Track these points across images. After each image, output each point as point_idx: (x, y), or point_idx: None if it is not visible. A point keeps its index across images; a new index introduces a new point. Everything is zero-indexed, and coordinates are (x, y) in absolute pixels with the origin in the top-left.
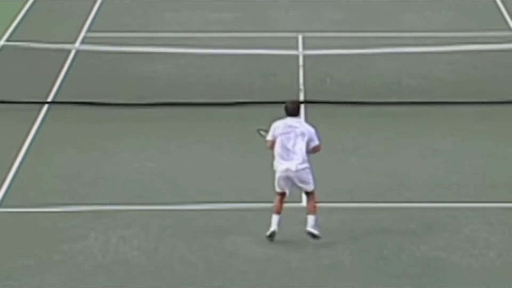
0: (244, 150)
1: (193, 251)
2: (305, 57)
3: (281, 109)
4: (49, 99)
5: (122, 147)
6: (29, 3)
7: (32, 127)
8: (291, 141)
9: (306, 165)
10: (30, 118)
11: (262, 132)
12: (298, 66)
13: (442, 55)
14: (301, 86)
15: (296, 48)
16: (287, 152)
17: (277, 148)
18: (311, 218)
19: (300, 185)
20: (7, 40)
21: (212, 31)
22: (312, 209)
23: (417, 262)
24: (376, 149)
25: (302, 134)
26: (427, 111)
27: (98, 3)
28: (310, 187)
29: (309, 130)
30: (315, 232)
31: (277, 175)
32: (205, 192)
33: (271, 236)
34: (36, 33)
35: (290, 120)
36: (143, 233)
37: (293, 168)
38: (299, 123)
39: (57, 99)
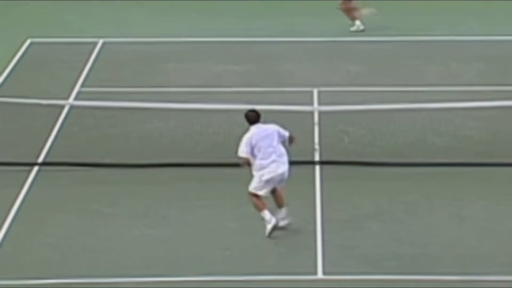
0: (252, 215)
1: None
2: (321, 113)
3: (294, 170)
4: (40, 160)
5: (120, 212)
6: (19, 54)
7: (20, 191)
8: (271, 145)
9: (287, 162)
10: (18, 181)
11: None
12: (313, 123)
13: (471, 111)
14: (317, 145)
15: (311, 103)
16: (270, 155)
17: (262, 156)
18: (284, 211)
19: (281, 184)
20: None
21: (218, 85)
22: (282, 202)
23: None
24: (399, 215)
25: (273, 134)
26: (455, 173)
27: (94, 54)
28: (282, 184)
29: (273, 127)
30: (286, 222)
31: (265, 178)
32: (209, 263)
33: (273, 231)
34: (25, 86)
35: (255, 128)
36: None
37: (282, 169)
38: (262, 127)
39: (49, 160)
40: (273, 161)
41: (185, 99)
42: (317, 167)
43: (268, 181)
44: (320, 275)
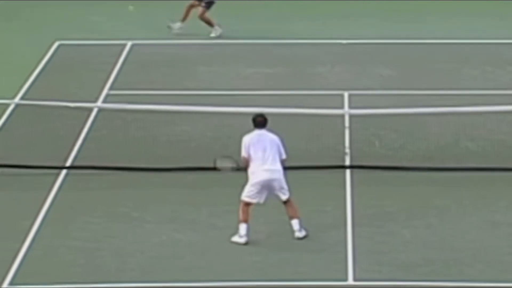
0: (282, 220)
1: None
2: (352, 116)
3: (325, 174)
4: (68, 164)
5: (148, 216)
6: (47, 56)
7: (48, 195)
8: (265, 150)
9: (282, 172)
10: (47, 184)
11: (219, 164)
12: (343, 127)
13: (504, 115)
14: (347, 149)
15: (342, 106)
16: (265, 161)
17: (254, 159)
18: (295, 222)
19: (279, 192)
20: (22, 98)
21: (248, 88)
22: (294, 214)
23: None
24: (431, 220)
25: (271, 143)
26: (487, 178)
27: (122, 57)
28: (287, 194)
29: (276, 140)
30: (303, 235)
31: (255, 182)
32: (238, 268)
33: (241, 243)
34: (54, 89)
35: (258, 131)
36: None
37: (274, 174)
38: (266, 134)
39: (77, 163)
40: (266, 167)
41: (214, 102)
42: (348, 172)
43: (258, 186)
44: (350, 281)
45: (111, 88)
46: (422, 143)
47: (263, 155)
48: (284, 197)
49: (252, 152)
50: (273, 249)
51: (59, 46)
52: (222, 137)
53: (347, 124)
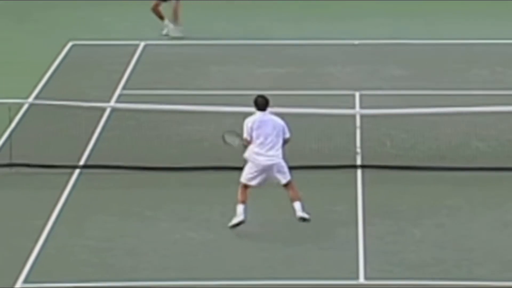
0: (293, 219)
1: None
2: (363, 117)
3: (336, 174)
4: (81, 163)
5: (161, 216)
6: (60, 57)
7: (62, 194)
8: (267, 136)
9: (281, 156)
10: (60, 183)
11: (228, 139)
12: (355, 126)
13: None
14: (358, 149)
15: (353, 107)
16: (264, 145)
17: (256, 142)
18: (297, 204)
19: (278, 175)
20: (36, 97)
21: (260, 88)
22: (296, 196)
23: None
24: (441, 220)
25: (274, 127)
26: (498, 178)
27: (135, 57)
28: (286, 177)
29: (279, 123)
30: (306, 216)
31: (253, 165)
32: (251, 267)
33: (238, 225)
34: (67, 89)
35: (261, 114)
36: None
37: (273, 159)
38: (269, 117)
39: (90, 163)
40: (266, 153)
41: (227, 102)
42: (359, 171)
43: (257, 170)
44: (361, 280)
45: (124, 88)
46: (433, 143)
47: (265, 140)
48: (284, 180)
49: (254, 136)
50: (284, 248)
51: (72, 46)
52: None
53: (358, 124)
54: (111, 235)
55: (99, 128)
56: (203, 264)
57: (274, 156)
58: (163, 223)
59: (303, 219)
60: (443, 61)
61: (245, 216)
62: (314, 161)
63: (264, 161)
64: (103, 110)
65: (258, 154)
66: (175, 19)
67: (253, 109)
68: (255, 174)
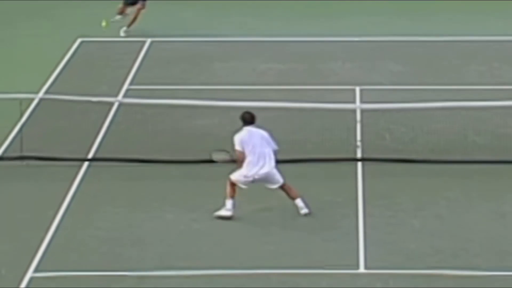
0: (295, 211)
1: None
2: (363, 111)
3: (337, 166)
4: (90, 156)
5: (167, 207)
6: (70, 53)
7: (71, 186)
8: (256, 146)
9: (273, 164)
10: (69, 175)
11: (216, 157)
12: (355, 121)
13: (511, 110)
14: (359, 142)
15: (353, 101)
16: (258, 158)
17: (248, 156)
18: (299, 202)
19: (270, 186)
20: (46, 92)
21: (263, 83)
22: (295, 195)
23: None
24: (440, 211)
25: (262, 138)
26: (495, 170)
27: (142, 54)
28: (280, 182)
29: (265, 135)
30: (308, 211)
31: (249, 175)
32: (253, 256)
33: (225, 219)
34: (76, 84)
35: (247, 129)
36: None
37: (266, 170)
38: (255, 130)
39: (98, 156)
40: (260, 163)
41: (231, 97)
42: (359, 164)
43: (251, 178)
44: (362, 269)
45: (131, 83)
46: (431, 137)
47: (255, 150)
48: (277, 185)
49: (248, 150)
50: (287, 238)
51: (81, 43)
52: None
53: (358, 118)
54: (119, 226)
55: (107, 122)
56: (207, 254)
57: (266, 164)
58: (168, 214)
59: (306, 215)
60: (441, 57)
61: (233, 212)
62: (315, 154)
63: (258, 171)
64: (111, 104)
65: (252, 163)
66: (120, 15)
67: (256, 102)
68: (248, 181)
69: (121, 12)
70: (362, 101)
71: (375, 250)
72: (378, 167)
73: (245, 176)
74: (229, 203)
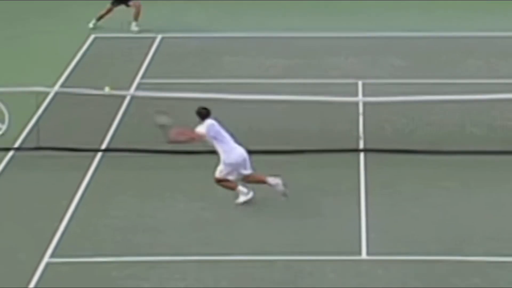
0: (301, 197)
1: None
2: (365, 104)
3: (340, 157)
4: (103, 147)
5: (178, 196)
6: (84, 48)
7: (85, 175)
8: (227, 135)
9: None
10: (84, 166)
11: (159, 120)
12: (358, 113)
13: (508, 103)
14: (361, 134)
15: (356, 94)
16: (232, 145)
17: (224, 140)
18: (270, 179)
19: (245, 172)
20: (62, 86)
21: (269, 77)
22: (263, 176)
23: None
24: (439, 200)
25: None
26: (492, 161)
27: (153, 49)
28: (252, 169)
29: None
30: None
31: (233, 162)
32: (262, 243)
33: (249, 201)
34: (90, 79)
35: (211, 119)
36: (199, 284)
37: (244, 153)
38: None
39: (112, 146)
40: (234, 146)
41: (238, 90)
42: (362, 154)
43: (234, 163)
44: (364, 255)
45: (143, 77)
46: (431, 128)
47: (226, 138)
48: (251, 171)
49: (220, 137)
50: (292, 226)
51: (94, 39)
52: (245, 121)
53: (361, 110)
54: (132, 215)
55: (119, 114)
56: (216, 241)
57: (240, 148)
58: (179, 203)
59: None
60: (441, 52)
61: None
62: (319, 145)
63: (240, 151)
64: (123, 97)
65: (228, 151)
66: (100, 17)
67: (262, 96)
68: (233, 168)
69: (108, 12)
70: (364, 94)
71: (377, 237)
72: (380, 157)
73: (228, 165)
74: (240, 189)
